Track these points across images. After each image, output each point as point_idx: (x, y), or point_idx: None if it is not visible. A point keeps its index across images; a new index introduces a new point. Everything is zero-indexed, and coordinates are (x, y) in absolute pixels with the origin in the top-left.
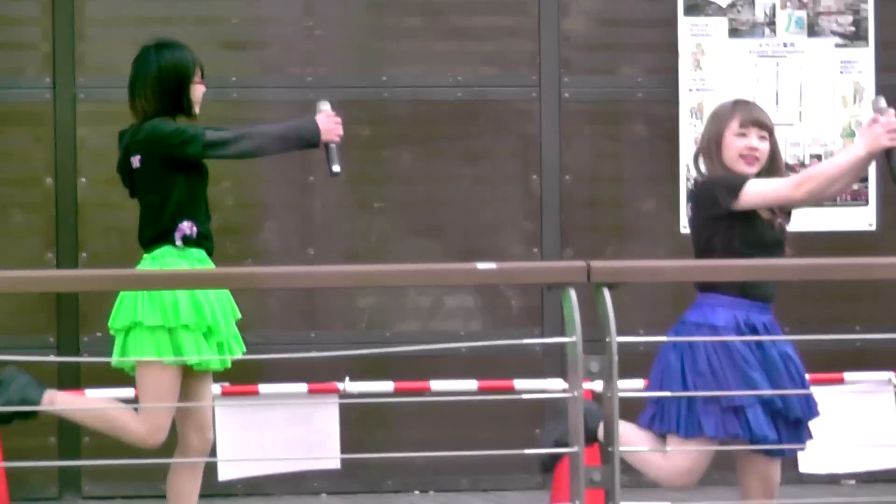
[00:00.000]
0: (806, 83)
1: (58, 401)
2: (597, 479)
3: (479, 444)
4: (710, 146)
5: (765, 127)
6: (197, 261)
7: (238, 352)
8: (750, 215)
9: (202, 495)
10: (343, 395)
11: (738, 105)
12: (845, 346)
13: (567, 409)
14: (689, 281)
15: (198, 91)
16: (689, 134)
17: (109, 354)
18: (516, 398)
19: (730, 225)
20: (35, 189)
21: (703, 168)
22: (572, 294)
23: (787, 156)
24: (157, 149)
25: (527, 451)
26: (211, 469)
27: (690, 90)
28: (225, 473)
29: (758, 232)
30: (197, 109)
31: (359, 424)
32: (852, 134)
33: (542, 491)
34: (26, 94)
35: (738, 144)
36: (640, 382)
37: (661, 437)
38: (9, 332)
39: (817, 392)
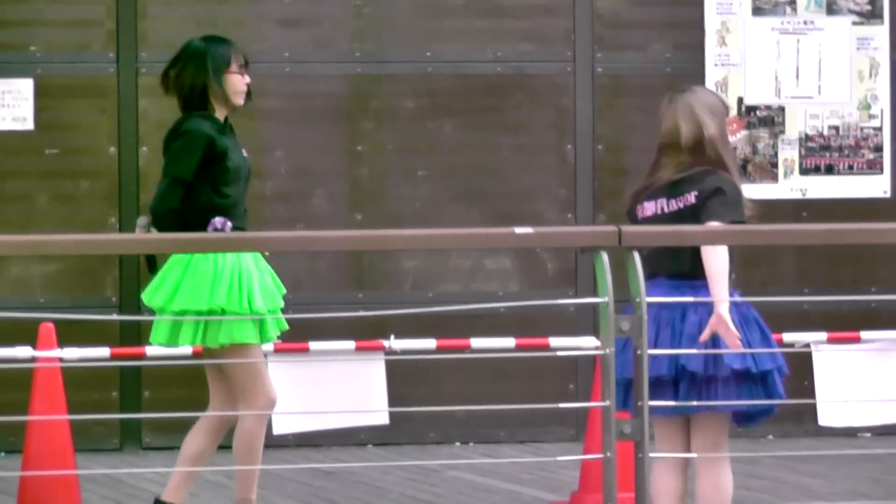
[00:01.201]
0: (825, 59)
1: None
2: (627, 432)
3: (517, 398)
4: (722, 140)
5: None
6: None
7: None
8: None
9: None
10: (388, 352)
11: (725, 105)
12: (862, 307)
13: None
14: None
15: (237, 82)
16: None
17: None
18: (551, 355)
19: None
20: (99, 158)
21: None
22: (604, 257)
23: (807, 127)
24: None
25: (561, 405)
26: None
27: (716, 65)
28: (279, 427)
29: None
30: (239, 100)
31: (403, 379)
32: (868, 107)
33: (575, 443)
34: (92, 69)
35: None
36: None
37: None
38: (74, 293)
39: (838, 350)
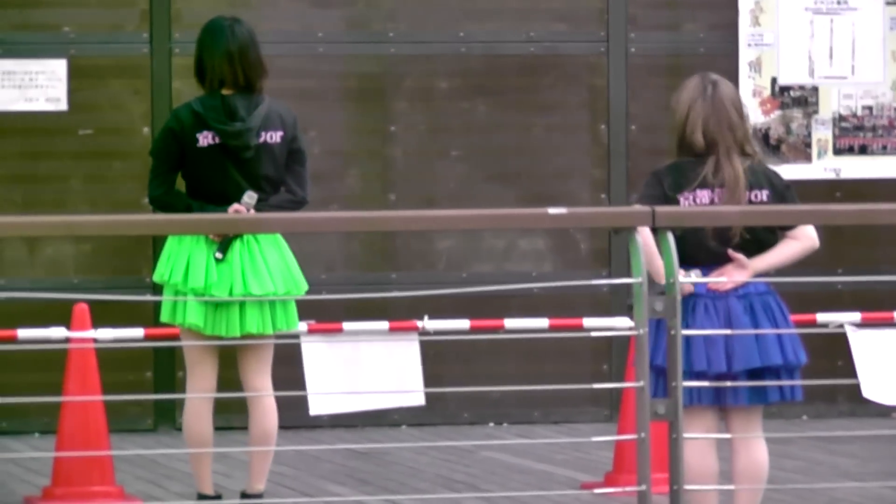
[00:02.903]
0: (858, 39)
1: None
2: (661, 412)
3: (550, 379)
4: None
5: None
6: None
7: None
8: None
9: (291, 426)
10: (422, 332)
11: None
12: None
13: None
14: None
15: None
16: (748, 87)
17: None
18: (585, 335)
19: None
20: (133, 138)
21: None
22: (638, 237)
23: (840, 107)
24: None
25: (595, 386)
26: (300, 403)
27: (749, 45)
28: (315, 409)
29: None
30: None
31: (437, 360)
32: None
33: (609, 423)
34: (125, 49)
35: None
36: None
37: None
38: (108, 273)
39: (872, 329)
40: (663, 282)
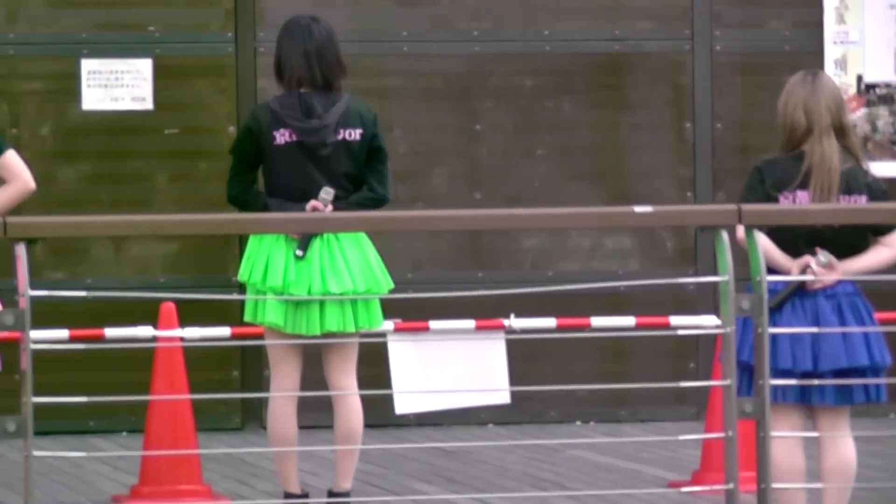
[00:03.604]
0: None
1: None
2: (748, 411)
3: (637, 377)
4: None
5: None
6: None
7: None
8: None
9: (377, 425)
10: (509, 331)
11: None
12: None
13: None
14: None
15: None
16: None
17: None
18: (671, 334)
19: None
20: (218, 137)
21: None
22: (724, 235)
23: None
24: None
25: (682, 384)
26: (386, 401)
27: (835, 43)
28: (401, 407)
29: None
30: None
31: (523, 358)
32: None
33: (697, 422)
34: (210, 49)
35: None
36: None
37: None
38: (194, 272)
39: None
40: (786, 274)
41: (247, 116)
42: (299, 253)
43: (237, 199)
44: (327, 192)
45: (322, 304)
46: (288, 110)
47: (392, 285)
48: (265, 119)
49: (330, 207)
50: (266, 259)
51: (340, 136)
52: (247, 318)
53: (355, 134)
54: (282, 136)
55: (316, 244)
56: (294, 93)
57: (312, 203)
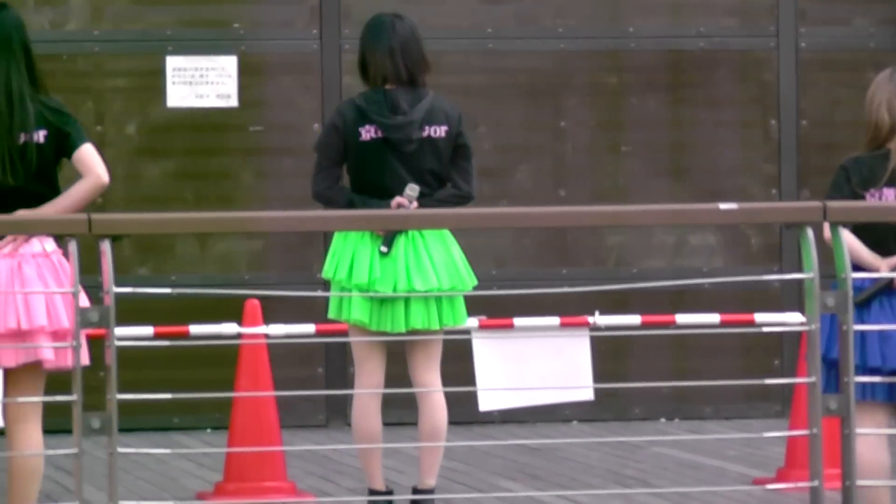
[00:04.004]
0: None
1: None
2: (833, 408)
3: (722, 374)
4: None
5: None
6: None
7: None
8: None
9: (462, 422)
10: (593, 328)
11: None
12: None
13: None
14: None
15: None
16: None
17: None
18: (756, 331)
19: None
20: (303, 134)
21: None
22: (809, 233)
23: None
24: None
25: (766, 381)
26: (470, 398)
27: None
28: (485, 404)
29: None
30: None
31: (608, 355)
32: None
33: (781, 419)
34: (295, 46)
35: None
36: None
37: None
38: (279, 269)
39: None
40: (873, 272)
41: (332, 113)
42: (384, 249)
43: (322, 195)
44: (412, 189)
45: (407, 301)
46: (373, 106)
47: (476, 282)
48: (350, 115)
49: (415, 204)
50: (351, 256)
51: (425, 133)
52: (331, 315)
53: (440, 131)
54: (367, 133)
55: (401, 241)
56: (379, 89)
57: (397, 199)
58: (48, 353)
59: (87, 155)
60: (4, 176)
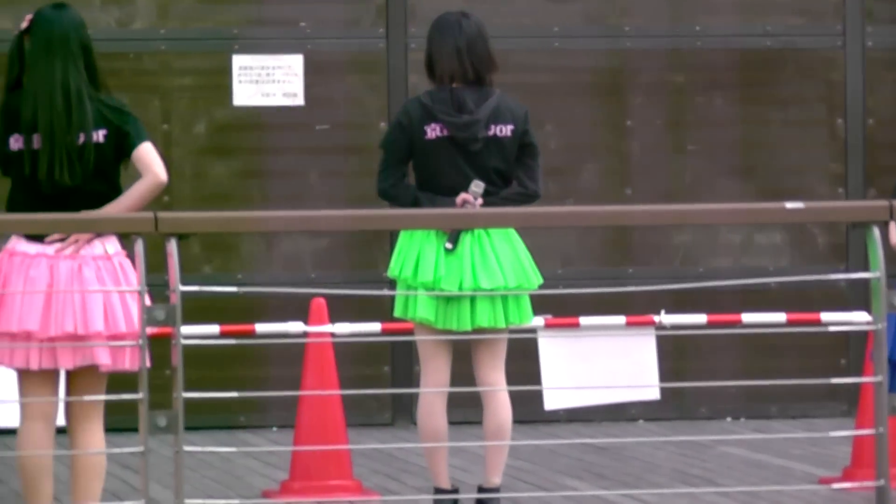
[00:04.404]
0: None
1: None
2: None
3: (788, 374)
4: None
5: None
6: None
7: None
8: None
9: (528, 421)
10: (659, 327)
11: None
12: None
13: None
14: None
15: None
16: None
17: None
18: (822, 330)
19: None
20: (369, 133)
21: None
22: (876, 232)
23: None
24: None
25: (833, 380)
26: (536, 397)
27: None
28: (551, 403)
29: None
30: None
31: (674, 355)
32: None
33: (847, 418)
34: (361, 44)
35: None
36: None
37: None
38: (345, 268)
39: None
40: None
41: (398, 111)
42: (449, 246)
43: (387, 192)
44: (477, 185)
45: (473, 299)
46: (439, 105)
47: (541, 281)
48: (416, 113)
49: (480, 200)
50: (417, 255)
51: (491, 132)
52: (397, 313)
53: (506, 130)
54: (433, 131)
55: (467, 239)
56: (445, 87)
57: (462, 196)
58: (104, 356)
59: (146, 154)
60: (62, 175)
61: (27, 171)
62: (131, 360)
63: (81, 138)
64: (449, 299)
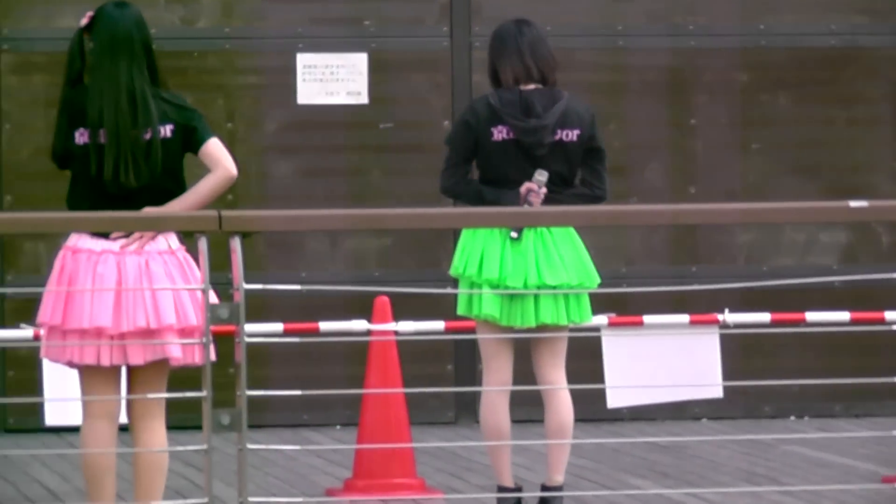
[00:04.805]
0: None
1: None
2: None
3: (852, 372)
4: None
5: None
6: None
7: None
8: None
9: (591, 419)
10: (723, 325)
11: None
12: None
13: None
14: None
15: None
16: None
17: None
18: (886, 329)
19: None
20: (433, 132)
21: None
22: None
23: None
24: None
25: None
26: (599, 396)
27: None
28: (613, 401)
29: None
30: None
31: (738, 353)
32: None
33: None
34: (425, 43)
35: None
36: None
37: None
38: (408, 266)
39: None
40: None
41: (465, 109)
42: (514, 235)
43: (451, 190)
44: (541, 174)
45: (537, 296)
46: (507, 108)
47: (600, 281)
48: (484, 113)
49: (543, 189)
50: (481, 252)
51: (557, 137)
52: (461, 311)
53: (572, 135)
54: (499, 133)
55: (530, 236)
56: (514, 90)
57: (527, 185)
58: (176, 350)
59: (215, 149)
60: (127, 177)
61: (93, 170)
62: (201, 353)
63: (148, 134)
64: (512, 296)
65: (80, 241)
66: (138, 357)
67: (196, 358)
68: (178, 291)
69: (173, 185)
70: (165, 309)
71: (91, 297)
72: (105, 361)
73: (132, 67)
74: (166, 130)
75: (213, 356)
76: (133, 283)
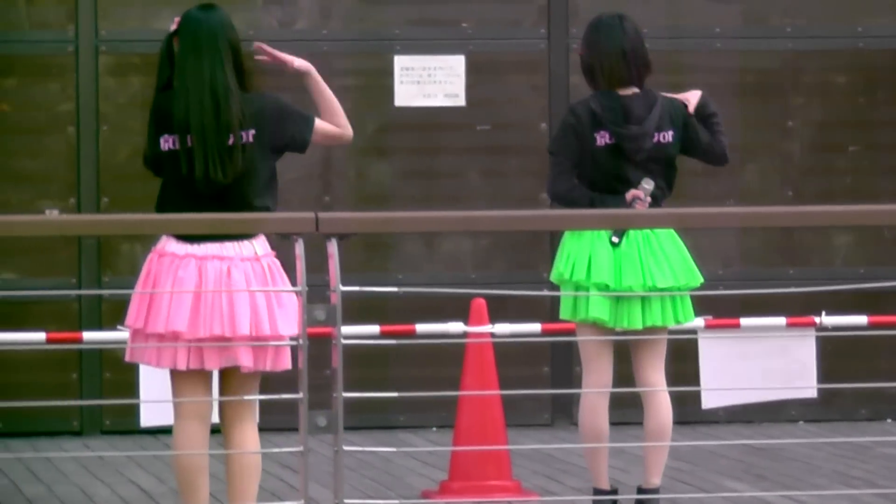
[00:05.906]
0: None
1: None
2: None
3: None
4: None
5: None
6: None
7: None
8: None
9: (687, 422)
10: (820, 328)
11: None
12: None
13: None
14: None
15: None
16: None
17: None
18: None
19: None
20: (530, 134)
21: None
22: None
23: None
24: None
25: None
26: (694, 398)
27: None
28: (708, 402)
29: None
30: None
31: (835, 356)
32: None
33: None
34: (523, 45)
35: None
36: None
37: None
38: (505, 268)
39: None
40: None
41: (566, 114)
42: (615, 240)
43: (564, 197)
44: (648, 183)
45: (644, 298)
46: (608, 114)
47: (703, 280)
48: (586, 118)
49: (648, 199)
50: (588, 256)
51: (655, 140)
52: (565, 315)
53: (668, 136)
54: (601, 138)
55: (638, 239)
56: (613, 94)
57: (633, 192)
58: (246, 358)
59: (322, 125)
60: (216, 173)
61: (184, 171)
62: (273, 361)
63: (231, 139)
64: (619, 298)
65: (167, 245)
66: (214, 362)
67: (268, 365)
68: (255, 301)
69: (251, 191)
70: (241, 318)
71: (170, 301)
72: (181, 365)
73: (216, 66)
74: (249, 135)
75: (287, 364)
76: (213, 288)
